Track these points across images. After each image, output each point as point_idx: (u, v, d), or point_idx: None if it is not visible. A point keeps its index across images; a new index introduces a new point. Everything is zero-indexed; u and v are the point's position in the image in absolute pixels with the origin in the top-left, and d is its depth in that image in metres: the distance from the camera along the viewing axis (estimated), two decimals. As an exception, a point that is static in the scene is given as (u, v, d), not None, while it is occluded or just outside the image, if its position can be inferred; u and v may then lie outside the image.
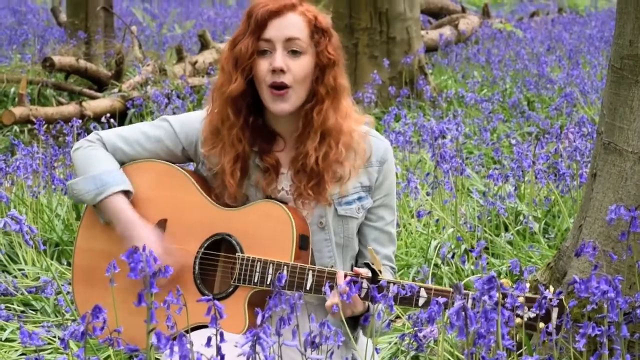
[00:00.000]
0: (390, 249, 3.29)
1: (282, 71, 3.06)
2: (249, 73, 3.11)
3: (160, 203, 3.21)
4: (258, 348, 2.40)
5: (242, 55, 3.10)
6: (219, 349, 2.41)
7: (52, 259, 5.22)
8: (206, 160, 3.21)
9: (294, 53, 3.09)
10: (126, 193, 3.19)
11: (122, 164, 3.25)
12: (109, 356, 3.67)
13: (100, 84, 10.54)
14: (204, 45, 11.80)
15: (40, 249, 3.29)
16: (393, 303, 2.84)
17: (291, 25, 3.09)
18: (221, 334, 2.46)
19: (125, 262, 2.55)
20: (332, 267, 3.15)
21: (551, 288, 2.83)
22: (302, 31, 3.09)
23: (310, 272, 3.04)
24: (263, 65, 3.09)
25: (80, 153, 3.24)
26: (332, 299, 2.97)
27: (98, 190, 3.16)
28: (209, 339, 2.48)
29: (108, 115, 8.05)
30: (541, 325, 2.83)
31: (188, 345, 2.28)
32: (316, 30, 3.12)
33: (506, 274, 4.66)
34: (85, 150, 3.23)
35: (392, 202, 3.28)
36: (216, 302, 2.50)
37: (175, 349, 2.28)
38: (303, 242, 3.10)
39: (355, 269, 3.04)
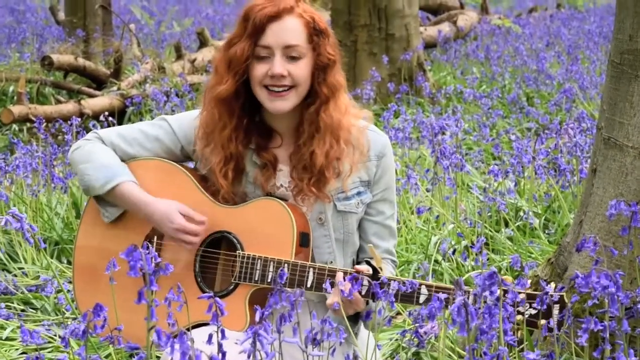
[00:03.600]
0: (391, 242, 3.29)
1: (282, 76, 3.06)
2: (242, 76, 3.10)
3: (160, 201, 3.20)
4: (258, 345, 2.40)
5: (236, 58, 3.09)
6: (220, 346, 2.41)
7: (52, 258, 5.21)
8: (200, 158, 3.21)
9: (294, 58, 3.08)
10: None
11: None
12: (109, 354, 3.67)
13: (99, 83, 10.53)
14: (203, 43, 11.79)
15: (40, 247, 3.29)
16: (394, 300, 2.84)
17: (290, 31, 3.07)
18: (222, 332, 2.45)
19: (125, 260, 2.55)
20: (331, 263, 3.14)
21: (552, 285, 2.82)
22: (300, 36, 3.08)
23: (311, 269, 3.03)
24: (260, 69, 3.08)
25: (82, 150, 3.22)
26: (333, 296, 2.97)
27: (108, 178, 3.15)
28: (210, 336, 2.48)
29: (107, 113, 8.04)
30: (542, 321, 2.83)
31: (189, 343, 2.27)
32: (315, 32, 3.11)
33: (507, 270, 4.65)
34: (86, 148, 3.22)
35: (392, 196, 3.27)
36: (217, 299, 2.50)
37: (176, 346, 2.28)
38: (303, 240, 3.09)
39: (356, 266, 3.04)
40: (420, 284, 2.97)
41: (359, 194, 3.21)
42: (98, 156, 3.19)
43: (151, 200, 3.15)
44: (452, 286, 2.93)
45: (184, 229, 3.10)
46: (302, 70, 3.08)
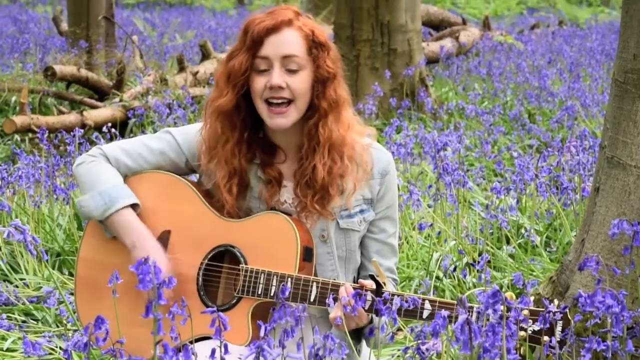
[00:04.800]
0: (392, 260, 3.29)
1: (280, 88, 3.06)
2: (241, 89, 3.11)
3: (164, 214, 3.21)
4: (262, 360, 2.40)
5: (235, 71, 3.09)
6: (223, 360, 2.41)
7: (53, 269, 5.22)
8: (205, 173, 3.21)
9: (293, 70, 3.08)
10: (133, 206, 3.19)
11: (125, 177, 3.24)
12: (110, 367, 3.67)
13: (101, 94, 10.53)
14: (205, 56, 11.80)
15: (43, 259, 3.29)
16: (397, 316, 2.84)
17: (288, 42, 3.08)
18: (225, 346, 2.46)
19: (128, 274, 2.55)
20: (334, 279, 3.14)
21: (555, 302, 2.83)
22: (299, 47, 3.08)
23: (314, 283, 3.03)
24: (260, 82, 3.08)
25: (84, 168, 3.22)
26: (336, 311, 2.97)
27: (106, 206, 3.15)
28: (213, 350, 2.48)
29: (109, 124, 8.04)
30: (545, 338, 2.83)
31: (193, 357, 2.28)
32: (314, 45, 3.11)
33: (508, 287, 4.65)
34: (89, 165, 3.22)
35: (394, 214, 3.28)
36: (220, 313, 2.50)
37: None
38: (307, 254, 3.10)
39: (360, 280, 3.04)
40: (424, 300, 2.97)
41: (361, 211, 3.21)
42: (97, 180, 3.18)
43: (143, 238, 3.15)
44: (454, 302, 2.94)
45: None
46: (301, 83, 3.08)
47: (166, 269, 3.08)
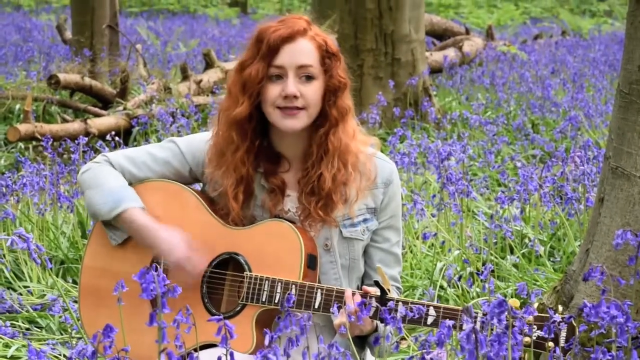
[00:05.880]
0: (396, 269, 3.30)
1: (295, 97, 3.08)
2: (257, 97, 3.12)
3: (168, 223, 3.21)
4: (267, 369, 2.41)
5: (251, 79, 3.11)
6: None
7: (57, 277, 5.22)
8: (210, 181, 3.22)
9: (307, 78, 3.10)
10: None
11: (129, 184, 3.25)
12: (114, 375, 3.66)
13: (105, 102, 10.55)
14: (209, 64, 11.81)
15: (47, 267, 3.29)
16: (402, 325, 2.84)
17: (303, 52, 3.10)
18: (231, 354, 2.46)
19: (132, 282, 2.55)
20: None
21: (559, 308, 2.83)
22: (313, 57, 3.11)
23: (319, 290, 3.04)
24: (274, 90, 3.09)
25: (90, 173, 3.23)
26: (340, 318, 2.97)
27: (114, 204, 3.15)
28: (219, 358, 2.49)
29: (113, 133, 8.05)
30: (550, 344, 2.83)
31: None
32: (327, 55, 3.14)
33: (512, 297, 4.65)
34: (95, 170, 3.23)
35: (398, 224, 3.29)
36: (227, 321, 2.51)
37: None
38: (311, 262, 3.11)
39: (364, 287, 3.05)
40: (428, 306, 2.97)
41: (365, 220, 3.22)
42: (105, 181, 3.20)
43: (155, 228, 3.15)
44: (458, 308, 2.94)
45: (182, 266, 3.12)
46: (313, 92, 3.10)
47: (184, 255, 3.10)
